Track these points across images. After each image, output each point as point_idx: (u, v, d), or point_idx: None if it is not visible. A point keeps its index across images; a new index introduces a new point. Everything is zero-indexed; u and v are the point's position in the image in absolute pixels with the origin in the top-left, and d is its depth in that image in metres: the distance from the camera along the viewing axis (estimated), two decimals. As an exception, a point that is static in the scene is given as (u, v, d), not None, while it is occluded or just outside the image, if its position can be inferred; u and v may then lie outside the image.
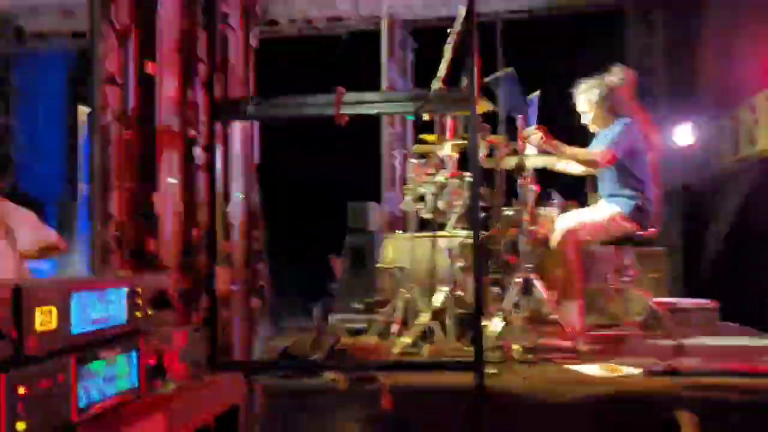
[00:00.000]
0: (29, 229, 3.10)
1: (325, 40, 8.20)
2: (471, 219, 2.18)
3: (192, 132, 2.33)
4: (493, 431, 2.39)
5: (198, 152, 2.35)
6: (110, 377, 0.97)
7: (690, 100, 6.39)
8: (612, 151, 3.50)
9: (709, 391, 2.52)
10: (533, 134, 3.61)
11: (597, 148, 3.65)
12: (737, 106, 5.43)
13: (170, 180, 2.14)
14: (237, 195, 2.69)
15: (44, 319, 0.89)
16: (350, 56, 7.68)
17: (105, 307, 0.97)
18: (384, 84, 6.32)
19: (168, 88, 2.18)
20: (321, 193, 7.05)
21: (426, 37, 7.34)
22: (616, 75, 3.67)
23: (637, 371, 2.83)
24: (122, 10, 1.92)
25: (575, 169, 3.81)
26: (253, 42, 2.85)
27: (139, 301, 1.02)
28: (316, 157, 6.77)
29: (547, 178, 4.05)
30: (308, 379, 2.91)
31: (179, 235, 2.25)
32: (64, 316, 0.94)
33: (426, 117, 3.95)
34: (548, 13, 7.56)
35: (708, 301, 4.27)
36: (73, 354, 0.93)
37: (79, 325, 0.96)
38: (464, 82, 3.17)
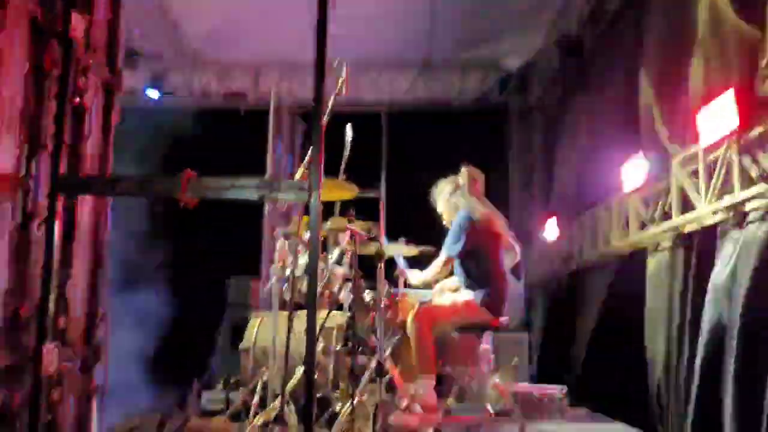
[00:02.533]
0: None
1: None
2: (307, 301, 2.23)
3: (31, 205, 2.30)
4: None
5: (35, 226, 2.31)
6: None
7: (558, 195, 6.88)
8: (447, 256, 3.78)
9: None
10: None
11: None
12: (596, 206, 5.90)
13: (-3, 254, 2.09)
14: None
15: None
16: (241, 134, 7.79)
17: None
18: (269, 161, 6.47)
19: (7, 159, 2.16)
20: (203, 266, 6.94)
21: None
22: (464, 174, 3.96)
23: (475, 457, 2.92)
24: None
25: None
26: (114, 118, 2.87)
27: None
28: (199, 227, 6.67)
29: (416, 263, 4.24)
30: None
31: (4, 310, 2.17)
32: None
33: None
34: (434, 106, 8.04)
35: (559, 387, 4.49)
36: None
37: None
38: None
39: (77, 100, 2.51)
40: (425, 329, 3.64)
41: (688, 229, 4.18)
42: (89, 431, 2.77)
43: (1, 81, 2.06)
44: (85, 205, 2.65)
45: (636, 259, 5.06)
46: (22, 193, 2.31)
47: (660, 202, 4.63)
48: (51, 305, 2.32)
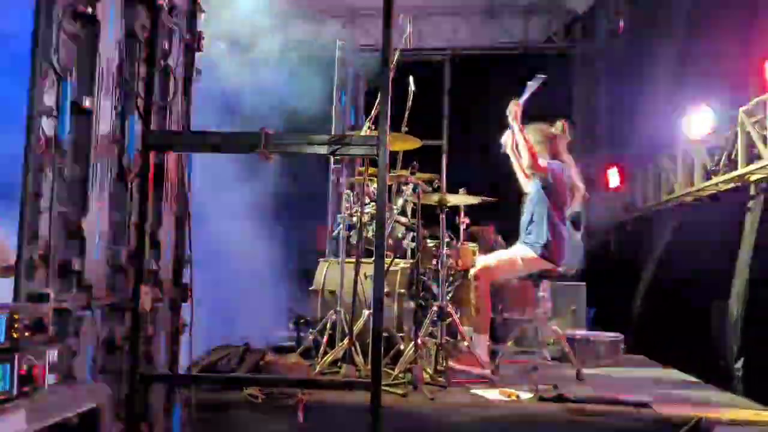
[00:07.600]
0: None
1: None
2: (376, 249, 2.41)
3: (125, 161, 2.53)
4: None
5: (130, 178, 2.55)
6: (-14, 381, 1.20)
7: (622, 144, 6.80)
8: (547, 168, 3.80)
9: (587, 416, 2.81)
10: (511, 104, 3.92)
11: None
12: (660, 154, 5.84)
13: (98, 204, 2.34)
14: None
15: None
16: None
17: (-14, 329, 1.20)
18: (334, 110, 6.62)
19: (104, 120, 2.38)
20: (274, 213, 7.22)
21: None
22: (559, 127, 4.00)
23: (530, 396, 3.10)
24: (63, 50, 2.12)
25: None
26: (195, 76, 3.07)
27: (17, 325, 1.25)
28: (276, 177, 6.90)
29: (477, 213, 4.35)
30: (228, 392, 3.12)
31: (106, 256, 2.43)
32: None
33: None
34: (496, 53, 7.96)
35: (615, 334, 4.59)
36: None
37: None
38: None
39: (163, 62, 2.70)
40: (484, 290, 3.77)
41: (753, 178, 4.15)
42: (178, 362, 3.07)
43: (101, 50, 2.26)
44: (170, 158, 2.87)
45: (700, 207, 5.04)
46: (118, 150, 2.54)
47: (725, 152, 4.58)
48: (146, 251, 2.59)
